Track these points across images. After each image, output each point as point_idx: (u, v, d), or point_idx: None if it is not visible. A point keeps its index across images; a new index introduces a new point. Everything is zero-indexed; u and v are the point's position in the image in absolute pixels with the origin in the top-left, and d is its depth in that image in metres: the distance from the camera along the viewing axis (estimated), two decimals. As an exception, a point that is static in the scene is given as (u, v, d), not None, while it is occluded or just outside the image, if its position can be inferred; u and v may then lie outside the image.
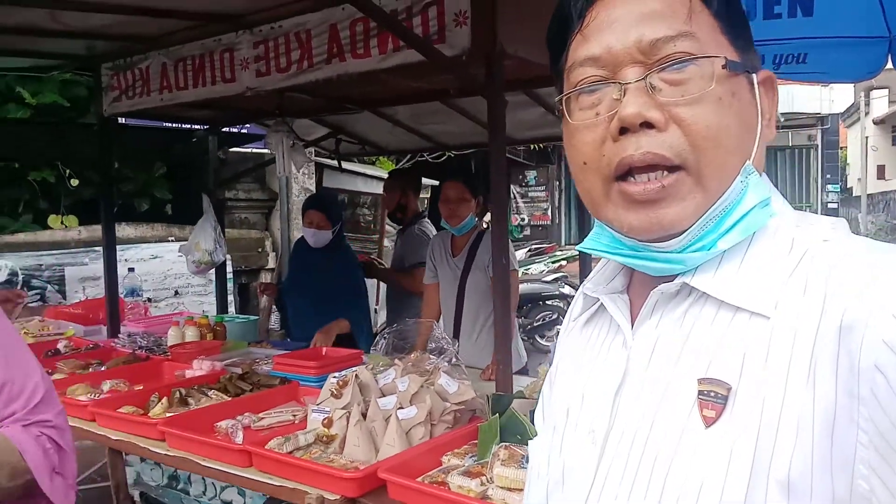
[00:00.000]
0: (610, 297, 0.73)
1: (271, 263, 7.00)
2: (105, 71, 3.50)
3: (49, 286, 5.61)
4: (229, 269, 4.94)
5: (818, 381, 0.55)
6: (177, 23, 3.03)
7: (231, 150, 5.45)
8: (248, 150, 6.37)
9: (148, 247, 6.26)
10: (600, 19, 0.64)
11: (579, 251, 0.81)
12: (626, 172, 0.63)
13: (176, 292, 6.19)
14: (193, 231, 3.98)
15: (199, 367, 2.74)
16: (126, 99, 3.43)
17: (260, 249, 6.96)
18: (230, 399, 2.37)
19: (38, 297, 5.49)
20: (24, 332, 3.56)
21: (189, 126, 4.34)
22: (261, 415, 2.24)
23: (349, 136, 4.47)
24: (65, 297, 5.61)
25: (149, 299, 5.96)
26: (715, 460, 0.58)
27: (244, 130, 5.57)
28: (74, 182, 6.16)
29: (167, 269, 6.22)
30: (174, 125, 4.44)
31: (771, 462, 0.56)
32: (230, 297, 5.19)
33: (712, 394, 0.59)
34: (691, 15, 0.63)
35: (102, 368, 2.85)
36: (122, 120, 4.20)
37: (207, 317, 3.45)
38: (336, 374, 2.11)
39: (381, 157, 8.19)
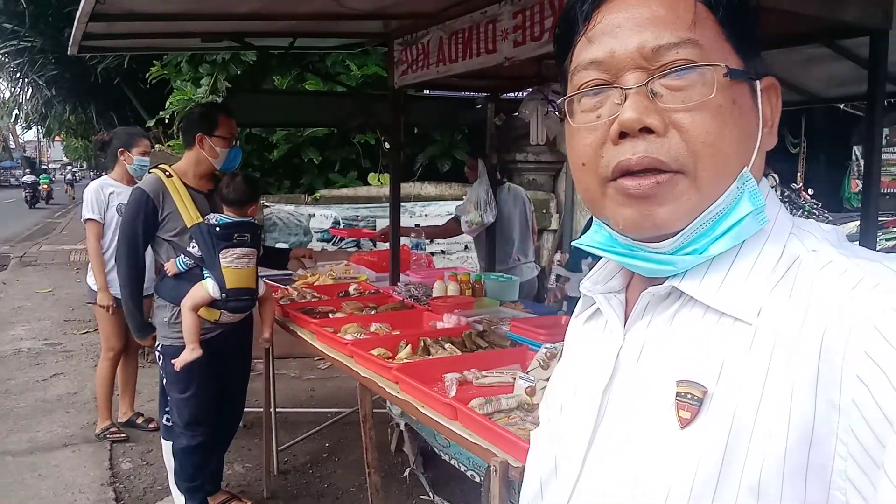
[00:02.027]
0: (605, 297, 0.74)
1: (554, 225, 7.14)
2: (396, 46, 3.89)
3: (362, 235, 6.53)
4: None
5: (796, 390, 0.55)
6: (453, 0, 3.24)
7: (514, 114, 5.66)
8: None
9: (445, 204, 6.88)
10: (605, 23, 0.65)
11: (575, 247, 0.79)
12: (624, 174, 0.64)
13: (465, 247, 6.71)
14: (468, 193, 4.26)
15: (448, 321, 2.98)
16: (411, 72, 3.78)
17: (545, 210, 7.14)
18: (463, 354, 2.55)
19: (354, 243, 6.42)
20: (329, 274, 4.22)
21: (472, 94, 4.62)
22: (484, 372, 2.38)
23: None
24: (374, 246, 6.48)
25: (442, 251, 6.58)
26: (686, 461, 0.59)
27: (522, 96, 5.75)
28: (387, 144, 6.98)
29: (460, 225, 6.79)
30: (463, 94, 4.78)
31: (743, 467, 0.56)
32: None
33: (688, 395, 0.60)
34: (695, 22, 0.63)
35: (373, 312, 3.26)
36: (426, 91, 4.67)
37: (469, 274, 3.70)
38: (548, 345, 2.14)
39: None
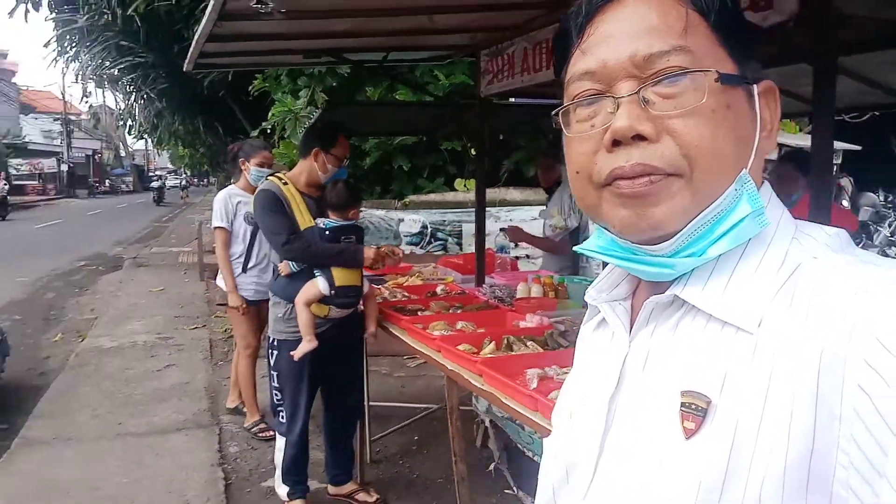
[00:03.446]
0: (610, 305, 0.75)
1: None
2: (483, 57, 4.06)
3: (450, 239, 6.73)
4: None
5: (797, 400, 0.55)
6: (538, 11, 3.38)
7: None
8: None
9: (530, 209, 6.97)
10: (597, 35, 0.66)
11: (577, 252, 0.81)
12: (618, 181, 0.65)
13: (550, 251, 6.78)
14: (552, 198, 4.37)
15: (530, 321, 3.10)
16: (497, 81, 3.93)
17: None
18: (545, 351, 2.67)
19: (441, 247, 6.63)
20: (417, 275, 4.42)
21: (558, 101, 4.71)
22: (565, 369, 2.49)
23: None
24: (461, 249, 6.66)
25: (527, 255, 6.68)
26: (690, 472, 0.59)
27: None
28: (474, 151, 7.15)
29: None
30: (548, 101, 4.88)
31: (747, 479, 0.56)
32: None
33: (693, 406, 0.61)
34: (687, 29, 0.63)
35: (459, 311, 3.43)
36: (511, 99, 4.79)
37: (552, 277, 3.81)
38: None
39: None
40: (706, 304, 0.64)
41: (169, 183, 42.13)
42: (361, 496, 3.46)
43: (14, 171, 36.84)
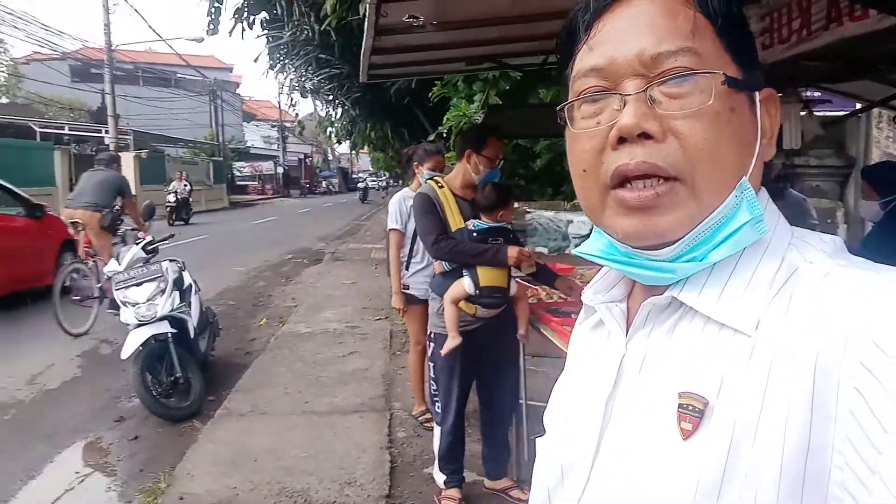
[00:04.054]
0: (607, 307, 0.75)
1: (842, 236, 6.43)
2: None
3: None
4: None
5: (793, 402, 0.56)
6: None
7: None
8: (821, 112, 5.98)
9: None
10: (605, 32, 0.66)
11: (577, 255, 0.78)
12: (623, 181, 0.64)
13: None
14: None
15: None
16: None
17: (830, 220, 6.47)
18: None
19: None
20: (579, 277, 4.40)
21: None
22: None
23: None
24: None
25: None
26: (688, 473, 0.60)
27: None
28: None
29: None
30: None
31: (743, 480, 0.57)
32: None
33: (690, 407, 0.61)
34: (695, 31, 0.63)
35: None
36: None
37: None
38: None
39: None
40: (704, 307, 0.64)
41: (371, 184, 45.68)
42: (515, 493, 3.54)
43: (237, 173, 41.94)
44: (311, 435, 4.37)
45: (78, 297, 7.22)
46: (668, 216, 0.63)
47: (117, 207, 7.70)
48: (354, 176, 61.81)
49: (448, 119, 6.96)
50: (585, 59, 0.68)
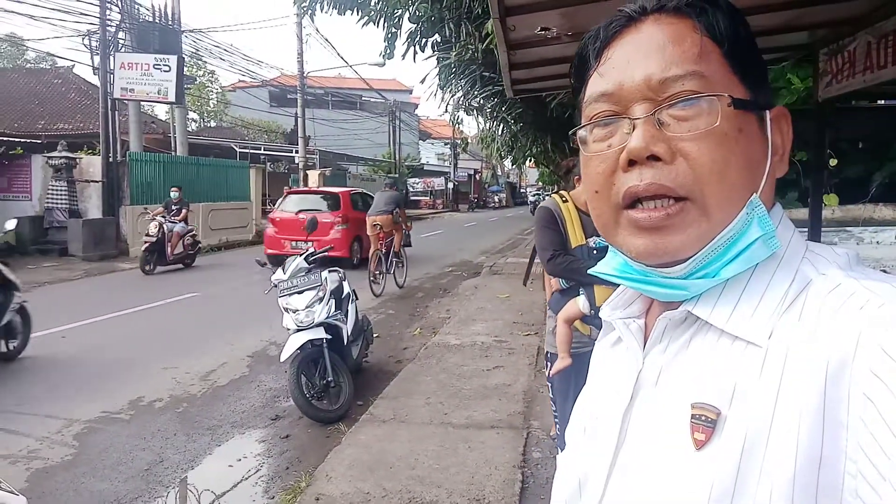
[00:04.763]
0: (624, 323, 0.77)
1: None
2: (822, 56, 3.56)
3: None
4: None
5: (804, 411, 0.56)
6: (882, 1, 2.87)
7: None
8: None
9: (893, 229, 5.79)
10: (614, 58, 0.69)
11: (593, 275, 0.78)
12: (634, 201, 0.66)
13: None
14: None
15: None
16: (835, 83, 3.42)
17: None
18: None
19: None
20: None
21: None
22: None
23: None
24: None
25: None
26: (701, 483, 0.61)
27: None
28: (833, 162, 6.23)
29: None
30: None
31: (756, 489, 0.57)
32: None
33: (703, 417, 0.62)
34: (701, 55, 0.65)
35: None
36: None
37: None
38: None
39: None
40: (717, 320, 0.66)
41: (537, 197, 46.29)
42: None
43: (411, 189, 43.95)
44: (446, 447, 4.39)
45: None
46: (678, 235, 0.65)
47: (396, 211, 11.64)
48: (522, 190, 62.19)
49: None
50: (596, 84, 0.71)
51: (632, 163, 0.66)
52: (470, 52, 8.59)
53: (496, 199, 56.20)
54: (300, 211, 13.48)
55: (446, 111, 11.63)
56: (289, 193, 15.05)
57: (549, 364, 3.30)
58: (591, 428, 0.78)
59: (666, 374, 0.69)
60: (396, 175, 36.71)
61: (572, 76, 0.77)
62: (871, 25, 3.05)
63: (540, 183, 45.88)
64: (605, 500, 0.71)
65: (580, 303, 3.06)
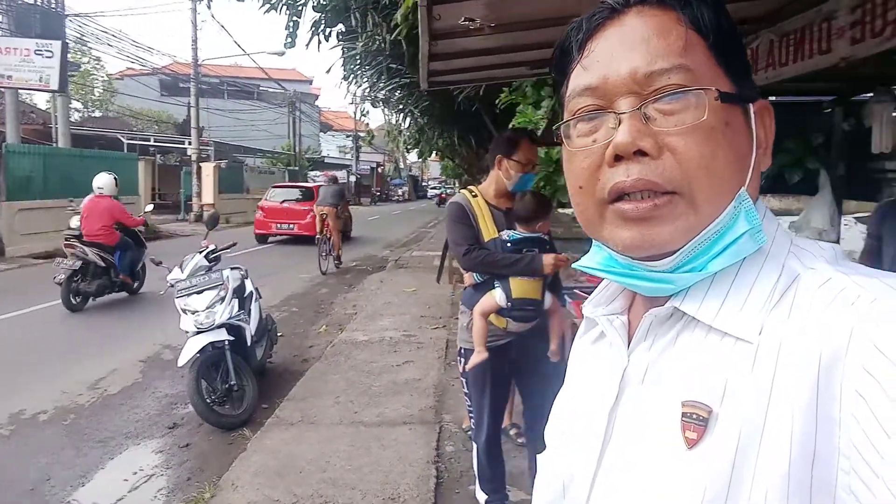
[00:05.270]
0: (608, 319, 0.75)
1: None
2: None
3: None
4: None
5: (797, 408, 0.56)
6: (786, 0, 2.98)
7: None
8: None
9: (792, 219, 6.15)
10: (598, 51, 0.67)
11: (576, 269, 0.76)
12: (620, 197, 0.65)
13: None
14: (807, 207, 3.80)
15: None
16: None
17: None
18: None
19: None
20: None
21: (819, 98, 4.12)
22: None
23: None
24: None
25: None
26: (694, 482, 0.60)
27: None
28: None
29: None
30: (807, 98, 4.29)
31: (751, 487, 0.56)
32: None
33: (694, 416, 0.61)
34: (686, 48, 0.64)
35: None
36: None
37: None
38: None
39: None
40: (705, 316, 0.64)
41: (438, 191, 47.06)
42: None
43: (311, 182, 43.08)
44: (357, 446, 4.27)
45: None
46: (666, 227, 0.64)
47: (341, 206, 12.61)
48: (424, 184, 62.36)
49: (513, 126, 6.81)
50: (579, 78, 0.69)
51: (618, 158, 0.64)
52: (377, 42, 8.42)
53: (399, 192, 55.98)
54: (284, 201, 17.59)
55: (353, 103, 11.39)
56: (274, 187, 19.07)
57: (462, 359, 3.24)
58: (574, 427, 0.76)
59: (652, 371, 0.68)
60: (297, 168, 35.81)
61: (553, 69, 0.75)
62: (773, 25, 3.16)
63: (444, 176, 46.29)
64: (592, 501, 0.70)
65: (496, 296, 3.02)
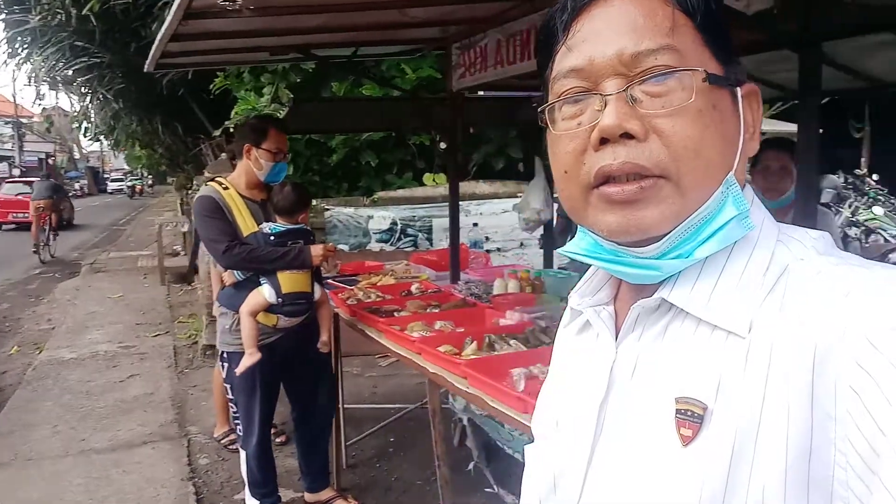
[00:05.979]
0: (595, 310, 0.73)
1: None
2: (454, 50, 3.96)
3: (420, 235, 6.63)
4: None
5: (793, 403, 0.55)
6: (512, 2, 3.29)
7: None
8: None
9: (500, 202, 6.91)
10: (584, 32, 0.65)
11: (561, 254, 0.79)
12: (606, 181, 0.63)
13: (521, 244, 6.74)
14: (525, 191, 4.30)
15: (510, 318, 3.03)
16: (469, 75, 3.84)
17: None
18: (527, 349, 2.59)
19: (412, 243, 6.53)
20: (391, 274, 4.32)
21: (529, 94, 4.65)
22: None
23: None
24: (431, 245, 6.57)
25: (498, 249, 6.62)
26: (691, 479, 0.59)
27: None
28: (443, 145, 7.06)
29: (515, 222, 6.84)
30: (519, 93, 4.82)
31: (748, 484, 0.56)
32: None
33: (689, 413, 0.60)
34: (674, 28, 0.63)
35: (437, 310, 3.33)
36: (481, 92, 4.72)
37: (528, 271, 3.74)
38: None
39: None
40: (695, 308, 0.63)
41: (127, 184, 43.20)
42: (339, 503, 3.35)
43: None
44: (94, 477, 3.77)
45: None
46: (652, 210, 0.62)
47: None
48: (105, 176, 55.86)
49: (237, 113, 6.49)
50: (564, 60, 0.66)
51: (604, 141, 0.62)
52: (59, 17, 7.33)
53: (77, 186, 49.31)
54: (18, 194, 19.44)
55: (29, 84, 9.79)
56: (3, 182, 20.96)
57: (226, 364, 3.05)
58: (563, 420, 0.74)
59: (642, 365, 0.66)
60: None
61: (537, 50, 0.71)
62: (499, 25, 3.48)
63: (135, 167, 42.22)
64: (585, 498, 0.68)
65: (265, 293, 2.90)
